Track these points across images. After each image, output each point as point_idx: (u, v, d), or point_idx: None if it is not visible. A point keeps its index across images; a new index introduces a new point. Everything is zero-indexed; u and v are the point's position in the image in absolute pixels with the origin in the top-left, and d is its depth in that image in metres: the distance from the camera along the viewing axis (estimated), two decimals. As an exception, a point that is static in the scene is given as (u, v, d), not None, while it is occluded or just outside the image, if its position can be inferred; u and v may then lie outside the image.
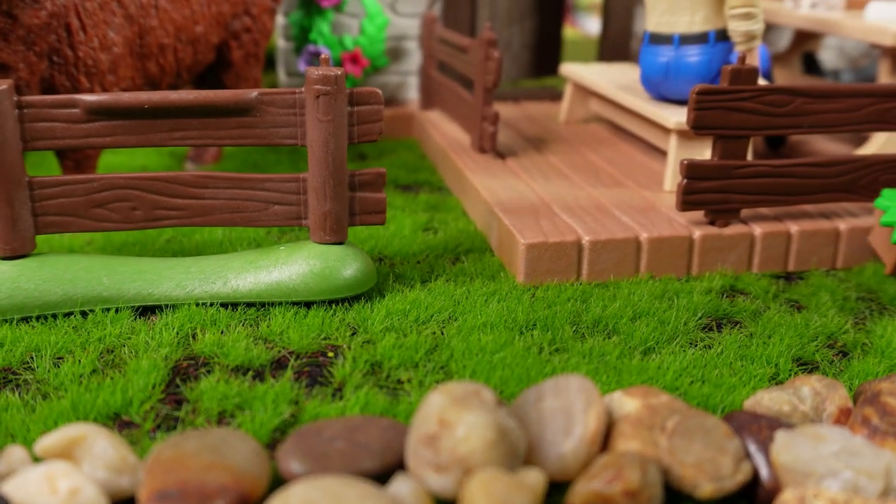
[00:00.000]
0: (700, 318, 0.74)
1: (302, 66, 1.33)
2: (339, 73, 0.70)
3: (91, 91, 0.87)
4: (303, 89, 0.71)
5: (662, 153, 1.10)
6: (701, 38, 0.96)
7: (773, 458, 0.50)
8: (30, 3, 0.79)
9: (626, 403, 0.54)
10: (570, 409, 0.52)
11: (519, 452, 0.49)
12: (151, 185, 0.72)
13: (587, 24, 3.18)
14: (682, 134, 0.95)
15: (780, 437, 0.51)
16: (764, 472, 0.51)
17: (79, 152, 0.91)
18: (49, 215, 0.71)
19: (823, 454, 0.49)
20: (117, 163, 1.16)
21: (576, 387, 0.53)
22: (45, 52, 0.83)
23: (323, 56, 0.72)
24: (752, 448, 0.52)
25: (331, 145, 0.71)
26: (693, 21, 0.97)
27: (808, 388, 0.58)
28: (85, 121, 0.69)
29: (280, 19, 1.38)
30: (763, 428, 0.53)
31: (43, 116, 0.68)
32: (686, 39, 0.97)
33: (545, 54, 1.63)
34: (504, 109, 1.36)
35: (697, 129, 0.80)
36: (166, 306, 0.72)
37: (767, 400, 0.57)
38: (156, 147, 0.71)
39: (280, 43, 1.41)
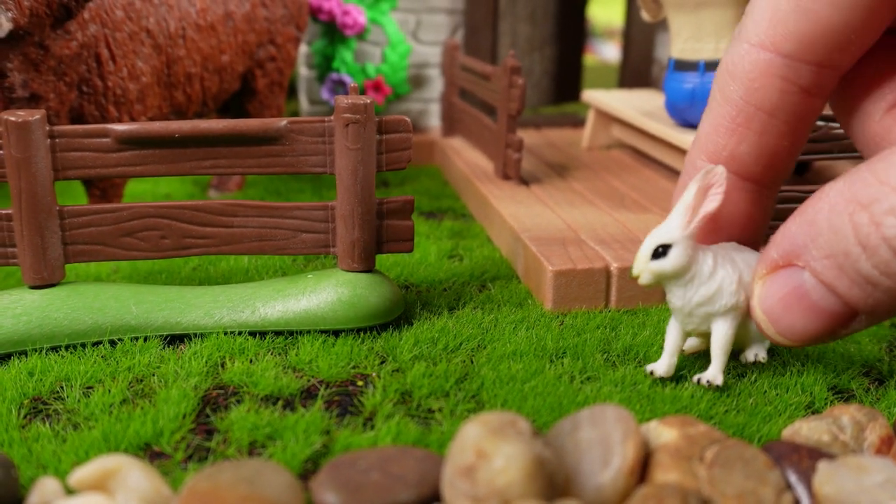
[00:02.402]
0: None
1: (325, 94, 1.33)
2: (369, 101, 0.70)
3: (119, 120, 0.88)
4: (332, 118, 0.71)
5: (687, 179, 1.10)
6: (726, 64, 0.96)
7: (816, 489, 0.49)
8: (61, 35, 0.80)
9: (664, 433, 0.54)
10: (607, 439, 0.51)
11: (556, 484, 0.48)
12: (180, 214, 0.72)
13: (604, 51, 3.19)
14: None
15: (823, 467, 0.50)
16: (806, 504, 0.50)
17: (106, 181, 0.92)
18: (79, 244, 0.72)
19: (867, 486, 0.48)
20: (141, 191, 1.17)
21: (612, 416, 0.52)
22: (75, 82, 0.83)
23: (352, 85, 0.72)
24: (793, 479, 0.51)
25: (360, 173, 0.71)
26: (718, 48, 0.97)
27: (847, 416, 0.57)
28: (116, 150, 0.70)
29: (303, 48, 1.39)
30: (803, 458, 0.52)
31: (74, 146, 0.69)
32: (711, 66, 0.97)
33: (566, 81, 1.63)
34: (526, 136, 1.36)
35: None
36: (195, 335, 0.72)
37: (806, 429, 0.56)
38: (184, 176, 0.72)
39: (303, 71, 1.42)
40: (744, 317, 0.64)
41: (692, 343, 0.71)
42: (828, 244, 0.53)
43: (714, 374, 0.65)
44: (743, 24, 0.61)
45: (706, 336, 0.66)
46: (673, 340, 0.67)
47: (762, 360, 0.68)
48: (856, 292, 0.53)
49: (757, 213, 0.66)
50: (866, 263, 0.51)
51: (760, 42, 0.60)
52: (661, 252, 0.62)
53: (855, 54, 0.59)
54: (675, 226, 0.62)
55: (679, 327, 0.66)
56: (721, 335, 0.64)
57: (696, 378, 0.66)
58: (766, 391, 0.66)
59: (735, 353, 0.69)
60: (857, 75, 0.62)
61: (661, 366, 0.67)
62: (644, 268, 0.63)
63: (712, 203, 0.62)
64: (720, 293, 0.63)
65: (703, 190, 0.62)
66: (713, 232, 0.67)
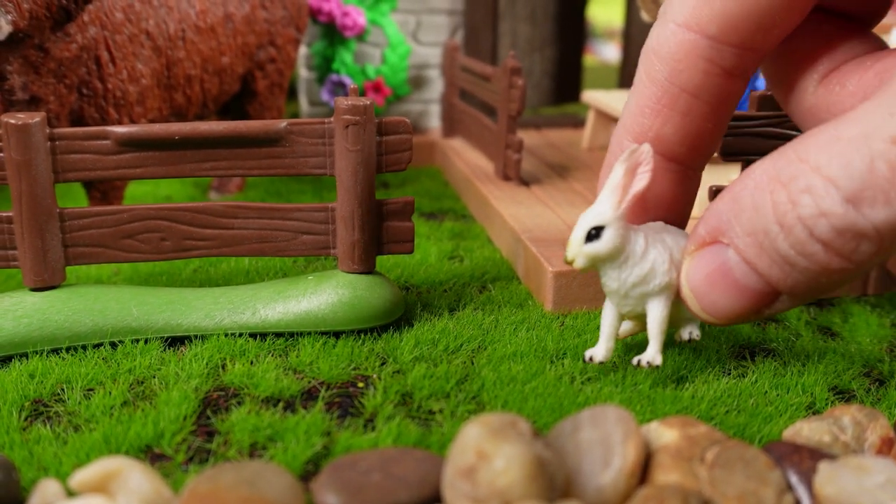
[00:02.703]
0: (732, 346, 0.74)
1: (325, 96, 1.33)
2: (368, 103, 0.70)
3: (119, 122, 0.88)
4: (332, 119, 0.71)
5: (687, 179, 1.10)
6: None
7: (817, 490, 0.49)
8: (61, 37, 0.80)
9: (664, 434, 0.54)
10: (608, 440, 0.51)
11: (557, 485, 0.48)
12: (181, 216, 0.72)
13: (604, 51, 3.19)
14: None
15: (824, 468, 0.50)
16: (807, 505, 0.50)
17: (106, 183, 0.92)
18: (79, 246, 0.72)
19: (868, 486, 0.48)
20: (142, 193, 1.17)
21: (613, 417, 0.52)
22: (75, 84, 0.83)
23: (351, 86, 0.72)
24: (794, 479, 0.51)
25: (360, 175, 0.71)
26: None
27: (848, 417, 0.57)
28: (116, 152, 0.70)
29: (302, 49, 1.39)
30: (804, 459, 0.52)
31: (74, 148, 0.69)
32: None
33: (566, 82, 1.63)
34: (526, 137, 1.36)
35: (726, 155, 0.80)
36: (195, 337, 0.72)
37: (807, 430, 0.56)
38: (185, 178, 0.72)
39: (302, 73, 1.42)
40: (676, 296, 0.64)
41: (626, 327, 0.71)
42: (749, 222, 0.53)
43: (652, 354, 0.65)
44: (669, 4, 0.61)
45: (641, 318, 0.66)
46: (609, 324, 0.66)
47: (696, 338, 0.67)
48: (775, 271, 0.53)
49: (682, 194, 0.66)
50: (784, 242, 0.52)
51: (686, 23, 0.60)
52: (594, 234, 0.62)
53: (779, 37, 0.59)
54: (606, 207, 0.62)
55: (614, 311, 0.66)
56: (656, 315, 0.64)
57: (634, 360, 0.65)
58: (766, 391, 0.66)
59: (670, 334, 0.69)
60: (789, 51, 0.62)
61: (599, 351, 0.66)
62: (578, 251, 0.62)
63: (641, 182, 0.62)
64: (654, 272, 0.62)
65: (632, 169, 0.62)
66: (640, 213, 0.67)
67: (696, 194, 0.68)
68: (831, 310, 0.82)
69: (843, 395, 0.67)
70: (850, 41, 0.61)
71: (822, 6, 0.62)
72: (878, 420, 0.57)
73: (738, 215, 0.54)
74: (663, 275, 0.63)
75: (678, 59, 0.60)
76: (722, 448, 0.52)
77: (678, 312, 0.66)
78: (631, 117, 0.64)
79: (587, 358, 0.66)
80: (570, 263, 0.63)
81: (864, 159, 0.48)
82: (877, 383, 0.69)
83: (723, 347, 0.73)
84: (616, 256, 0.63)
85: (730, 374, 0.69)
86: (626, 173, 0.62)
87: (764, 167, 0.53)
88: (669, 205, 0.66)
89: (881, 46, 0.61)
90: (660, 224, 0.66)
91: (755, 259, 0.54)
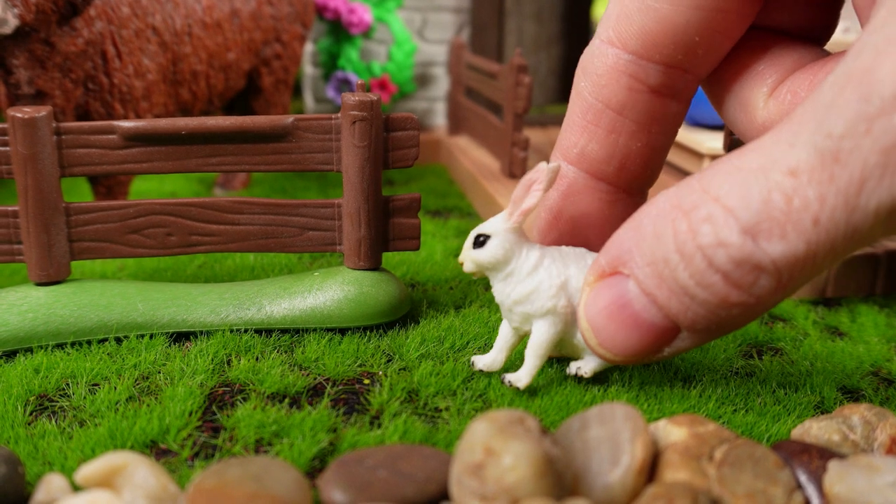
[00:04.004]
0: (740, 345, 0.73)
1: (330, 93, 1.33)
2: (375, 98, 0.70)
3: (125, 117, 0.87)
4: (338, 115, 0.70)
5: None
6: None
7: (827, 489, 0.49)
8: (67, 31, 0.79)
9: (673, 432, 0.53)
10: (616, 437, 0.51)
11: (565, 482, 0.48)
12: (187, 211, 0.72)
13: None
14: (715, 158, 0.94)
15: (834, 467, 0.49)
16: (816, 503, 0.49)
17: (112, 178, 0.92)
18: (85, 241, 0.71)
19: (879, 485, 0.48)
20: (147, 189, 1.16)
21: (621, 415, 0.52)
22: (81, 79, 0.83)
23: (359, 82, 0.72)
24: (804, 478, 0.51)
25: (366, 171, 0.71)
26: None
27: (857, 416, 0.56)
28: (122, 147, 0.69)
29: (308, 46, 1.39)
30: (814, 458, 0.52)
31: (81, 142, 0.69)
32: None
33: (572, 80, 1.63)
34: (531, 135, 1.36)
35: (734, 153, 0.79)
36: (201, 332, 0.72)
37: (816, 429, 0.56)
38: (190, 173, 0.71)
39: (308, 69, 1.41)
40: (571, 326, 0.62)
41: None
42: (650, 250, 0.51)
43: (520, 375, 0.63)
44: (600, 20, 0.61)
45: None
46: (502, 336, 0.66)
47: (583, 375, 0.64)
48: (674, 303, 0.51)
49: (615, 217, 0.64)
50: (684, 272, 0.49)
51: (609, 38, 0.59)
52: (481, 241, 0.62)
53: (708, 57, 0.58)
54: (499, 218, 0.62)
55: (505, 325, 0.65)
56: (537, 337, 0.62)
57: (502, 376, 0.65)
58: (774, 391, 0.66)
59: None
60: (733, 69, 0.61)
61: (485, 359, 0.66)
62: (466, 255, 0.63)
63: (531, 199, 0.61)
64: (537, 293, 0.61)
65: (527, 185, 0.61)
66: (568, 233, 0.65)
67: None
68: (839, 309, 0.82)
69: (852, 394, 0.67)
70: (797, 51, 0.59)
71: (766, 26, 0.61)
72: (887, 419, 0.56)
73: (639, 244, 0.52)
74: (548, 299, 0.61)
75: (601, 75, 0.59)
76: (731, 446, 0.51)
77: (573, 343, 0.64)
78: (561, 133, 0.63)
79: (471, 363, 0.66)
80: (460, 265, 0.64)
81: (761, 191, 0.46)
82: (885, 383, 0.69)
83: (730, 346, 0.73)
84: (499, 268, 0.62)
85: (737, 372, 0.69)
86: (521, 188, 0.61)
87: (668, 195, 0.51)
88: (602, 228, 0.64)
89: (826, 55, 0.60)
90: (582, 250, 0.63)
91: (655, 290, 0.51)
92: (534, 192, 0.61)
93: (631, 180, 0.63)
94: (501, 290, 0.63)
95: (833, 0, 0.61)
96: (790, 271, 0.47)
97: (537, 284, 0.61)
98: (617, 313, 0.54)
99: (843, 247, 0.46)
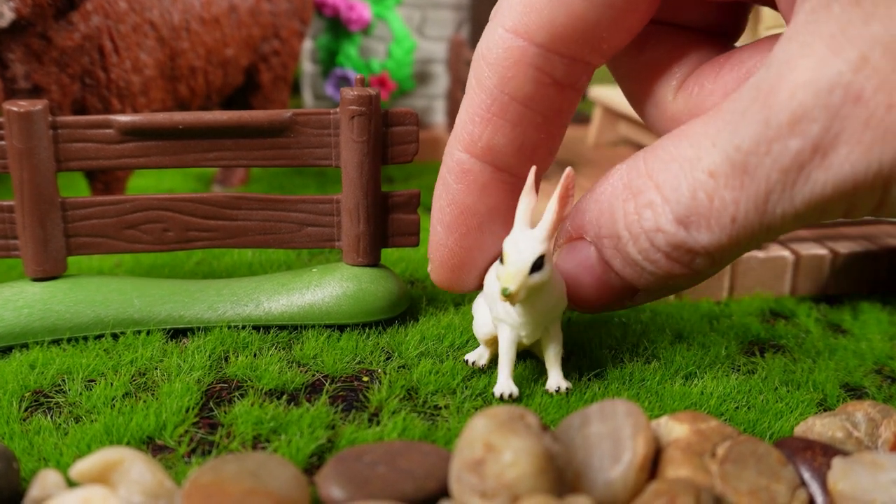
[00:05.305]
0: (742, 343, 0.73)
1: (329, 90, 1.32)
2: (374, 93, 0.69)
3: (123, 112, 0.87)
4: (337, 110, 0.70)
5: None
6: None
7: (831, 486, 0.48)
8: (64, 26, 0.79)
9: (675, 429, 0.53)
10: (617, 434, 0.50)
11: (566, 479, 0.48)
12: (184, 206, 0.71)
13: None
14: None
15: (838, 464, 0.49)
16: (820, 501, 0.49)
17: (109, 174, 0.91)
18: (81, 236, 0.71)
19: (883, 482, 0.47)
20: (144, 185, 1.16)
21: (623, 411, 0.51)
22: (78, 74, 0.83)
23: (358, 77, 0.71)
24: (807, 475, 0.50)
25: (365, 166, 0.71)
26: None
27: (861, 413, 0.56)
28: (119, 141, 0.69)
29: (307, 43, 1.38)
30: (817, 455, 0.51)
31: (77, 137, 0.68)
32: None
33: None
34: (531, 133, 1.35)
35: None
36: (198, 329, 0.71)
37: (819, 426, 0.55)
38: (189, 168, 0.71)
39: (307, 66, 1.41)
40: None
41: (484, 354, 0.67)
42: (607, 225, 0.57)
43: (559, 379, 0.63)
44: (499, 6, 0.60)
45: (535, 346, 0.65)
46: (511, 359, 0.62)
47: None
48: (628, 271, 0.57)
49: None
50: (633, 248, 0.56)
51: (514, 28, 0.58)
52: (539, 265, 0.58)
53: (608, 51, 0.59)
54: (537, 235, 0.58)
55: (513, 344, 0.62)
56: (558, 335, 0.64)
57: (552, 389, 0.63)
58: (776, 388, 0.65)
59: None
60: (643, 64, 0.63)
61: (508, 386, 0.62)
62: (522, 283, 0.57)
63: (568, 209, 0.60)
64: (561, 295, 0.62)
65: (564, 197, 0.59)
66: (476, 228, 0.65)
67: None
68: (841, 307, 0.82)
69: (855, 391, 0.66)
70: (704, 47, 0.62)
71: (677, 23, 0.62)
72: (891, 416, 0.56)
73: (597, 217, 0.58)
74: (562, 291, 0.62)
75: (507, 66, 0.59)
76: (733, 443, 0.51)
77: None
78: (461, 126, 0.62)
79: (499, 395, 0.62)
80: (509, 297, 0.57)
81: (689, 187, 0.52)
82: (888, 380, 0.68)
83: (732, 343, 0.72)
84: (546, 286, 0.60)
85: (739, 370, 0.68)
86: (559, 201, 0.58)
87: (620, 174, 0.57)
88: (506, 218, 0.63)
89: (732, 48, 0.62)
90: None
91: (611, 259, 0.58)
92: (570, 202, 0.60)
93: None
94: (545, 301, 0.60)
95: (741, 2, 0.63)
96: (720, 254, 0.54)
97: (561, 286, 0.61)
98: (582, 273, 0.61)
99: (763, 236, 0.52)
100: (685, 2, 0.62)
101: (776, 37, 0.56)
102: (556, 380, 0.63)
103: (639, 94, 0.64)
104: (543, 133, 0.62)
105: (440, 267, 0.68)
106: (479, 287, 0.67)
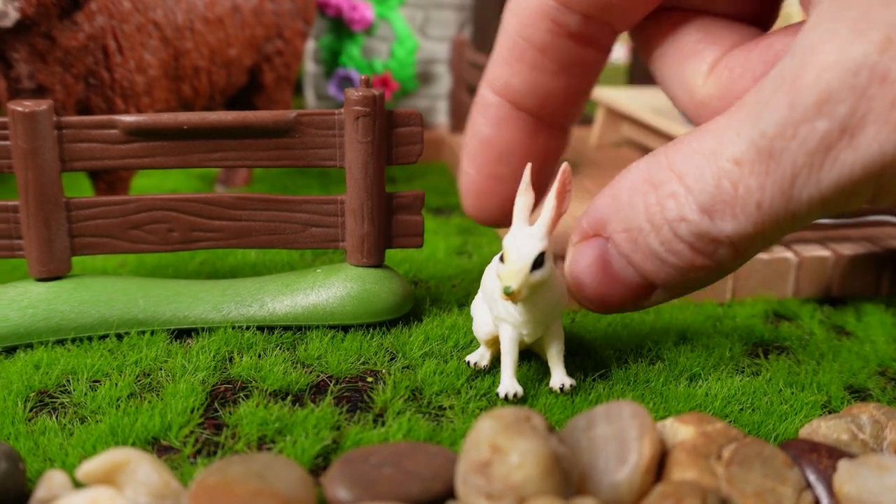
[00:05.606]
0: (746, 344, 0.73)
1: (332, 90, 1.32)
2: (379, 94, 0.69)
3: (127, 113, 0.87)
4: (342, 110, 0.70)
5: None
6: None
7: (837, 488, 0.48)
8: (68, 25, 0.79)
9: (680, 430, 0.53)
10: (623, 436, 0.50)
11: (572, 480, 0.48)
12: (189, 207, 0.71)
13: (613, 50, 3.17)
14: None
15: (844, 466, 0.49)
16: (826, 503, 0.49)
17: (113, 174, 0.91)
18: (85, 236, 0.71)
19: (889, 485, 0.47)
20: (147, 185, 1.16)
21: (628, 413, 0.51)
22: (82, 73, 0.82)
23: (362, 77, 0.71)
24: (813, 478, 0.50)
25: (370, 167, 0.71)
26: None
27: (866, 415, 0.56)
28: (123, 141, 0.69)
29: (310, 43, 1.38)
30: (822, 457, 0.51)
31: (81, 137, 0.68)
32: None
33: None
34: (534, 133, 1.35)
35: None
36: (202, 329, 0.71)
37: (825, 428, 0.55)
38: (194, 168, 0.71)
39: (309, 67, 1.41)
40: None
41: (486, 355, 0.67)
42: (626, 219, 0.57)
43: (563, 377, 0.63)
44: None
45: (538, 345, 0.64)
46: (514, 358, 0.62)
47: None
48: (649, 265, 0.57)
49: (536, 148, 0.68)
50: (655, 240, 0.55)
51: None
52: (539, 262, 0.58)
53: (625, 16, 0.62)
54: (535, 232, 0.58)
55: (516, 343, 0.62)
56: (560, 333, 0.63)
57: (556, 386, 0.62)
58: (780, 390, 0.65)
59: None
60: (674, 48, 0.64)
61: (513, 386, 0.61)
62: (524, 281, 0.57)
63: (566, 205, 0.61)
64: (562, 292, 0.62)
65: (561, 193, 0.59)
66: (494, 161, 0.68)
67: (557, 154, 0.70)
68: (844, 309, 0.82)
69: (859, 393, 0.66)
70: (736, 33, 0.63)
71: (710, 12, 0.64)
72: (896, 419, 0.56)
73: (616, 212, 0.58)
74: (563, 286, 0.62)
75: (526, 14, 0.63)
76: (739, 445, 0.51)
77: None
78: (489, 67, 0.67)
79: (504, 395, 0.61)
80: (511, 296, 0.57)
81: (713, 176, 0.52)
82: (892, 382, 0.68)
83: (736, 345, 0.72)
84: (547, 282, 0.60)
85: (743, 371, 0.68)
86: (556, 196, 0.59)
87: (640, 168, 0.57)
88: (524, 156, 0.67)
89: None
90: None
91: (631, 253, 0.57)
92: (567, 198, 0.61)
93: (552, 115, 0.68)
94: (549, 298, 0.60)
95: None
96: (744, 244, 0.53)
97: (561, 283, 0.62)
98: (599, 271, 0.60)
99: (788, 225, 0.52)
100: None
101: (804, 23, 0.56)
102: (559, 377, 0.63)
103: (669, 77, 0.65)
104: (560, 82, 0.65)
105: (465, 195, 0.72)
106: (503, 222, 0.68)
